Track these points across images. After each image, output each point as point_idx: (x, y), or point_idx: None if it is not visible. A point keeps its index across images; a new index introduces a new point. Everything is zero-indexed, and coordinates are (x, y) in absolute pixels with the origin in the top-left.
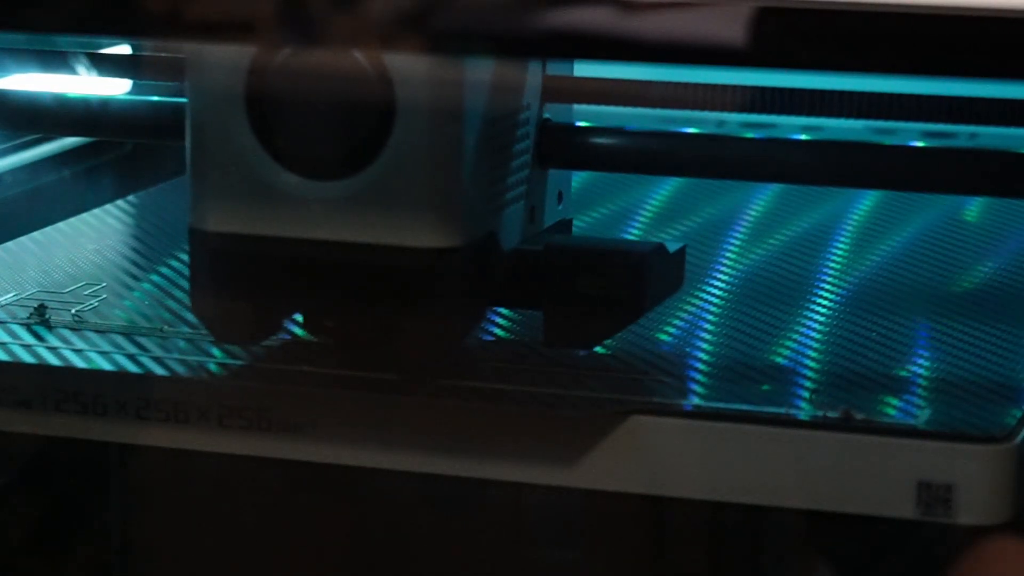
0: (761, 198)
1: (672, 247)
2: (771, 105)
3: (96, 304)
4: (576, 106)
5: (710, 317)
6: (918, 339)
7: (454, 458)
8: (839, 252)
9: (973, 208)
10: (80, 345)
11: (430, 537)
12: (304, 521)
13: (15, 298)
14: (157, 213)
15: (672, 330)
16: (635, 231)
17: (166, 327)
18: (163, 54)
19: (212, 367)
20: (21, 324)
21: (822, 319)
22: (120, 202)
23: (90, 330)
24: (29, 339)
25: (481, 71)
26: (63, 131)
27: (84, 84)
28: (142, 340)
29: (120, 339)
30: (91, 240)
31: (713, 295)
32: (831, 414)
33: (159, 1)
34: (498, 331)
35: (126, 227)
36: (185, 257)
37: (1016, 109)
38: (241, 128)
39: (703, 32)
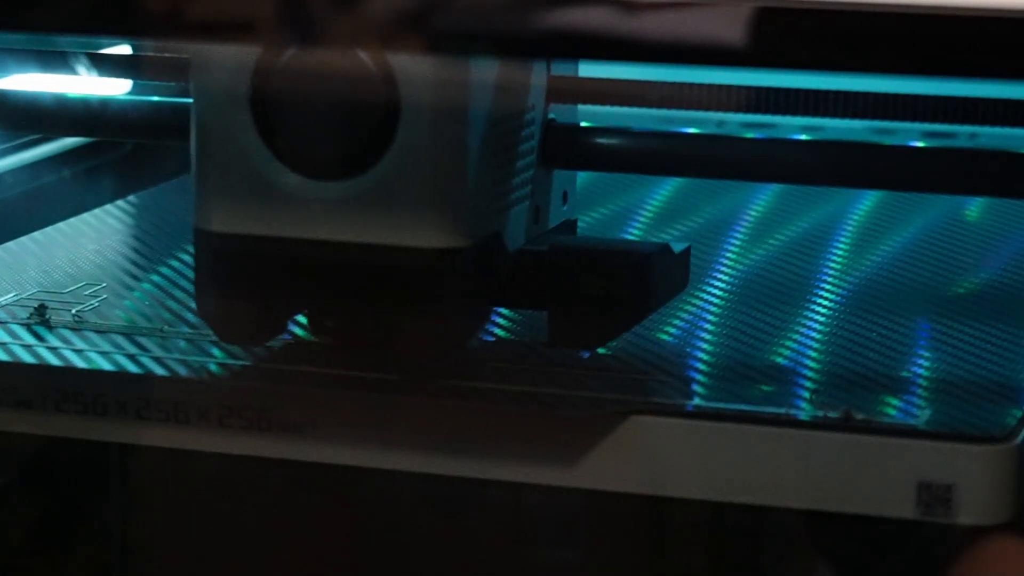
0: (761, 198)
1: (677, 247)
2: (771, 105)
3: (96, 304)
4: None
5: (710, 317)
6: (918, 339)
7: (454, 458)
8: (839, 252)
9: (973, 208)
10: (80, 345)
11: (430, 537)
12: (304, 521)
13: (15, 298)
14: (157, 213)
15: (672, 330)
16: (635, 231)
17: (166, 327)
18: (165, 54)
19: (212, 367)
20: (21, 324)
21: (822, 319)
22: (120, 202)
23: (90, 330)
24: (29, 339)
25: (486, 71)
26: (63, 131)
27: (84, 84)
28: (142, 340)
29: (120, 339)
30: (91, 240)
31: (713, 295)
32: (831, 414)
33: (159, 1)
34: (498, 331)
35: (126, 227)
36: (185, 257)
37: (1016, 109)
38: (246, 129)
39: (703, 32)
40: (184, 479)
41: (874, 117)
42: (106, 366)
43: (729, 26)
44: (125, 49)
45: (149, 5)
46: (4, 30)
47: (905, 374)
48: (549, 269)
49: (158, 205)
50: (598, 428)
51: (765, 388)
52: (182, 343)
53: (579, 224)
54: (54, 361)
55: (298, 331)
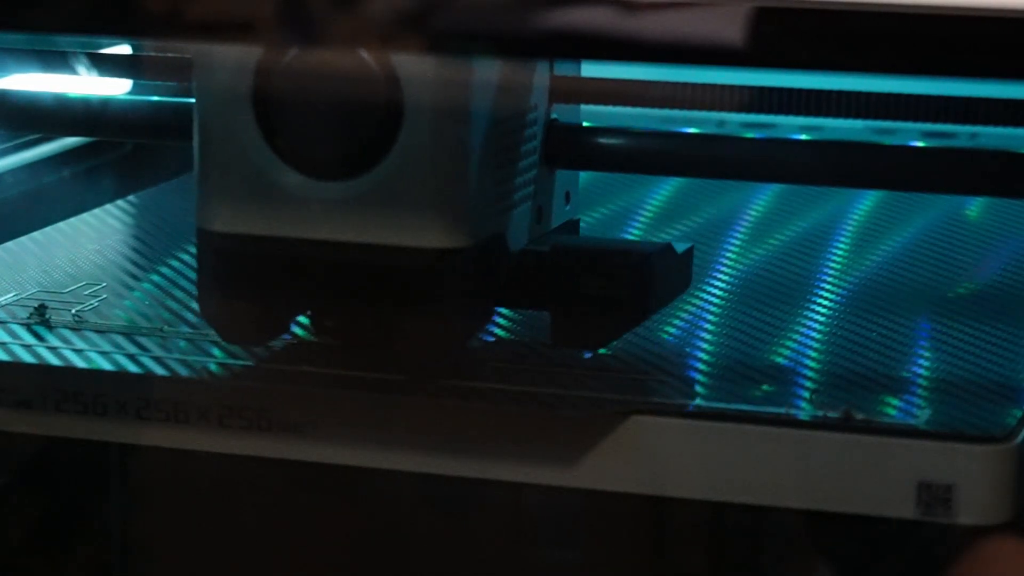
0: (761, 198)
1: (679, 247)
2: (771, 105)
3: (96, 304)
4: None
5: (710, 317)
6: (918, 339)
7: (454, 458)
8: (839, 252)
9: (974, 208)
10: (80, 345)
11: (430, 537)
12: (304, 521)
13: (15, 298)
14: (157, 213)
15: (672, 330)
16: (635, 231)
17: (166, 327)
18: (166, 54)
19: (212, 367)
20: (21, 324)
21: (822, 319)
22: (120, 202)
23: (90, 330)
24: (29, 339)
25: (489, 72)
26: (63, 131)
27: (84, 84)
28: (142, 340)
29: (120, 339)
30: (91, 240)
31: (713, 295)
32: (831, 414)
33: (160, 1)
34: (498, 331)
35: (126, 227)
36: (185, 257)
37: (1016, 109)
38: (248, 129)
39: (704, 32)
40: (184, 479)
41: (874, 117)
42: (106, 366)
43: (728, 26)
44: (125, 49)
45: (149, 5)
46: (4, 30)
47: (905, 374)
48: (551, 269)
49: (158, 205)
50: (598, 428)
51: (765, 388)
52: (182, 343)
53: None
54: (54, 361)
55: (298, 331)
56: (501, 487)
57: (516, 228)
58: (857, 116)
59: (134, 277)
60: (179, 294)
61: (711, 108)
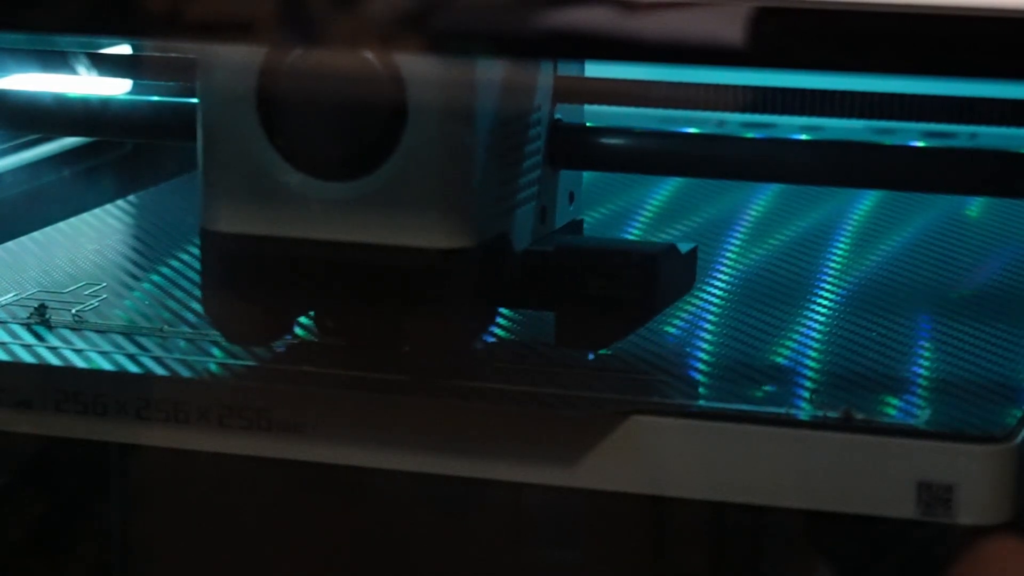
0: (761, 198)
1: (683, 247)
2: (771, 105)
3: (96, 304)
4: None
5: (710, 317)
6: (918, 339)
7: (454, 458)
8: (839, 252)
9: (974, 208)
10: (80, 345)
11: (430, 537)
12: (304, 521)
13: (15, 298)
14: (157, 213)
15: (672, 330)
16: (634, 231)
17: (166, 327)
18: (167, 54)
19: (212, 367)
20: (21, 324)
21: (822, 319)
22: (120, 202)
23: (90, 330)
24: (29, 339)
25: (493, 72)
26: (63, 131)
27: (84, 84)
28: (142, 340)
29: (120, 339)
30: (91, 240)
31: (713, 295)
32: (831, 414)
33: (160, 1)
34: (498, 331)
35: (126, 227)
36: (185, 257)
37: (1016, 109)
38: (252, 129)
39: (704, 32)
40: (184, 479)
41: (874, 117)
42: (106, 366)
43: (728, 26)
44: (125, 49)
45: (151, 5)
46: (4, 30)
47: (905, 374)
48: (555, 270)
49: (158, 205)
50: (598, 428)
51: (765, 388)
52: (182, 343)
53: None
54: (54, 361)
55: (298, 331)
56: (501, 487)
57: (520, 228)
58: (857, 116)
59: (134, 277)
60: (179, 294)
61: (712, 108)
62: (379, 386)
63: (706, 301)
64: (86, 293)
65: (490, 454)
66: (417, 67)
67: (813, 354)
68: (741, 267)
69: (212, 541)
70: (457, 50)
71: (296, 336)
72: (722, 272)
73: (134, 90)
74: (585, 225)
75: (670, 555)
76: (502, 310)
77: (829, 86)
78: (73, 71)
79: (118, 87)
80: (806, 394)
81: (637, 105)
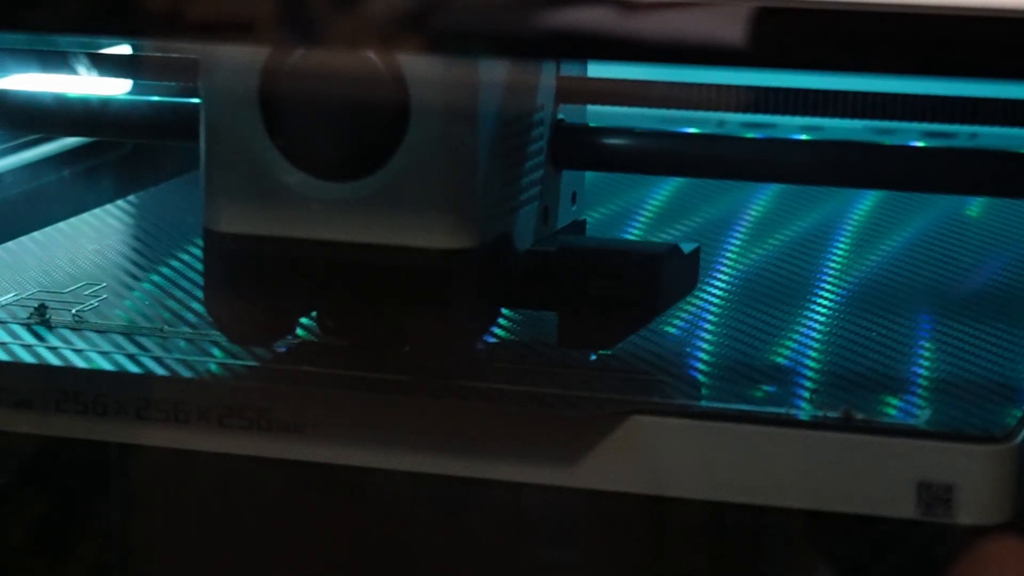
0: (761, 198)
1: (686, 248)
2: (771, 105)
3: (96, 304)
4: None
5: (711, 317)
6: (918, 339)
7: (454, 458)
8: (839, 252)
9: (974, 208)
10: (80, 345)
11: (430, 537)
12: (304, 521)
13: (15, 298)
14: (157, 213)
15: (672, 330)
16: (635, 231)
17: (166, 327)
18: (168, 54)
19: (212, 367)
20: (21, 324)
21: (822, 319)
22: (120, 202)
23: (90, 330)
24: (29, 339)
25: (495, 72)
26: (63, 131)
27: (84, 84)
28: (142, 340)
29: (120, 339)
30: (91, 240)
31: (713, 295)
32: (831, 414)
33: (161, 1)
34: (498, 331)
35: (126, 227)
36: (185, 257)
37: (1016, 109)
38: (255, 129)
39: (704, 32)
40: (184, 479)
41: (874, 117)
42: (106, 366)
43: (728, 26)
44: (125, 49)
45: (151, 5)
46: (4, 30)
47: (905, 374)
48: (558, 270)
49: (158, 205)
50: (598, 428)
51: (765, 388)
52: (182, 343)
53: None
54: (54, 361)
55: (299, 331)
56: (501, 487)
57: (523, 228)
58: (857, 116)
59: (134, 277)
60: (179, 294)
61: (712, 108)
62: (380, 386)
63: (706, 301)
64: (86, 293)
65: (490, 454)
66: (419, 67)
67: (813, 354)
68: (741, 267)
69: (212, 541)
70: (459, 50)
71: (297, 336)
72: (722, 272)
73: (134, 90)
74: (587, 225)
75: (670, 555)
76: (504, 310)
77: (829, 86)
78: (73, 71)
79: (118, 87)
80: (806, 394)
81: (638, 105)
